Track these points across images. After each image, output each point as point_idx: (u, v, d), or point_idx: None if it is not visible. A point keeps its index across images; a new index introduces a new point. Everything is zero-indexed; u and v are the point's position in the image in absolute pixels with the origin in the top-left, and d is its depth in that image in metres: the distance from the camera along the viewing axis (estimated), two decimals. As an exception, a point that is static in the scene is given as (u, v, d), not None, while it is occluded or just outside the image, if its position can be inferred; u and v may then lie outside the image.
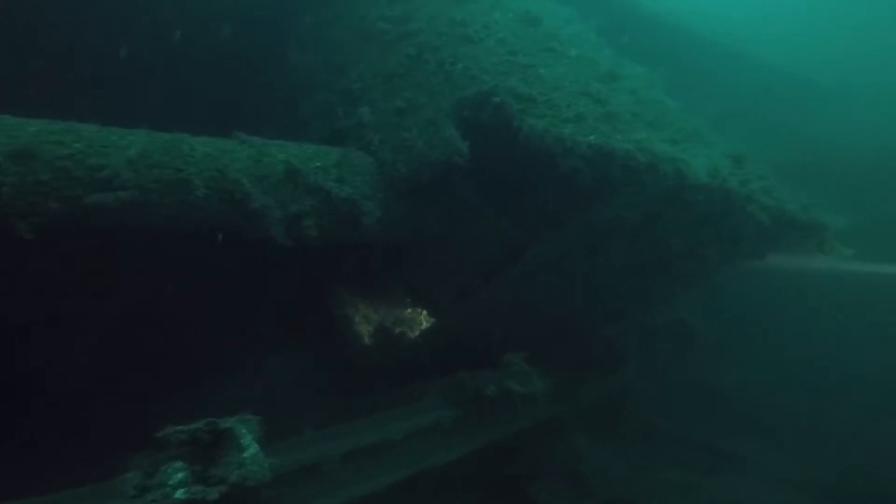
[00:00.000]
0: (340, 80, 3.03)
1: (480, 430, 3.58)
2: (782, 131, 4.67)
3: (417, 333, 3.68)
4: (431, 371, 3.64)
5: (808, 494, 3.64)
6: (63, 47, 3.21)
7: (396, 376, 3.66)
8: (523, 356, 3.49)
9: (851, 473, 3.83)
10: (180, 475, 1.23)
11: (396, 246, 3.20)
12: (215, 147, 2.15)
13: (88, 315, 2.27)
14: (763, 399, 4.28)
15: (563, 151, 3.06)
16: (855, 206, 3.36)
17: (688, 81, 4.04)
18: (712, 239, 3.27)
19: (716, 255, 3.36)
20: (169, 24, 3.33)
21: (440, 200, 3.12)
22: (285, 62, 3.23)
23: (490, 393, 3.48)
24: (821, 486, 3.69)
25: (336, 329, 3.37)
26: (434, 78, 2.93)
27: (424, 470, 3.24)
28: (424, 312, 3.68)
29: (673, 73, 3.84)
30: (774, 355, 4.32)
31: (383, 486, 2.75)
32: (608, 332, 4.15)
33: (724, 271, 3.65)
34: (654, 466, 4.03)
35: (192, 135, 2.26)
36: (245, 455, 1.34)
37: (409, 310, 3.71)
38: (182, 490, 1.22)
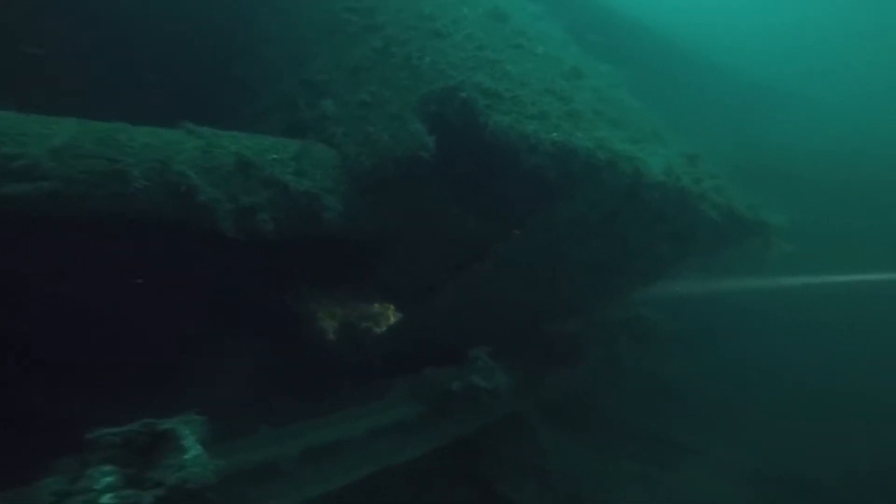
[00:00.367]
0: (302, 71, 2.94)
1: (446, 426, 3.60)
2: (737, 133, 4.93)
3: (383, 330, 3.64)
4: (397, 367, 3.62)
5: (755, 485, 3.85)
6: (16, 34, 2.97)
7: (361, 373, 3.62)
8: (488, 351, 3.54)
9: (795, 464, 4.09)
10: (109, 479, 1.15)
11: (361, 241, 3.14)
12: (159, 138, 2.04)
13: (14, 310, 2.11)
14: (716, 392, 4.49)
15: (528, 148, 3.09)
16: (798, 206, 3.57)
17: (649, 81, 4.17)
18: (667, 236, 3.39)
19: (670, 252, 3.48)
20: (122, 8, 3.14)
21: (405, 196, 3.09)
22: (243, 51, 3.10)
23: (455, 388, 3.50)
24: (767, 477, 3.92)
25: (298, 325, 3.29)
26: (401, 72, 2.88)
27: (389, 467, 3.22)
28: (391, 308, 3.64)
29: (635, 73, 3.97)
30: (728, 351, 4.54)
31: (343, 484, 2.72)
32: (570, 328, 4.25)
33: (678, 268, 3.80)
34: (615, 459, 4.16)
35: (140, 125, 2.14)
36: (187, 457, 1.27)
37: (374, 306, 3.67)
38: (110, 495, 1.14)
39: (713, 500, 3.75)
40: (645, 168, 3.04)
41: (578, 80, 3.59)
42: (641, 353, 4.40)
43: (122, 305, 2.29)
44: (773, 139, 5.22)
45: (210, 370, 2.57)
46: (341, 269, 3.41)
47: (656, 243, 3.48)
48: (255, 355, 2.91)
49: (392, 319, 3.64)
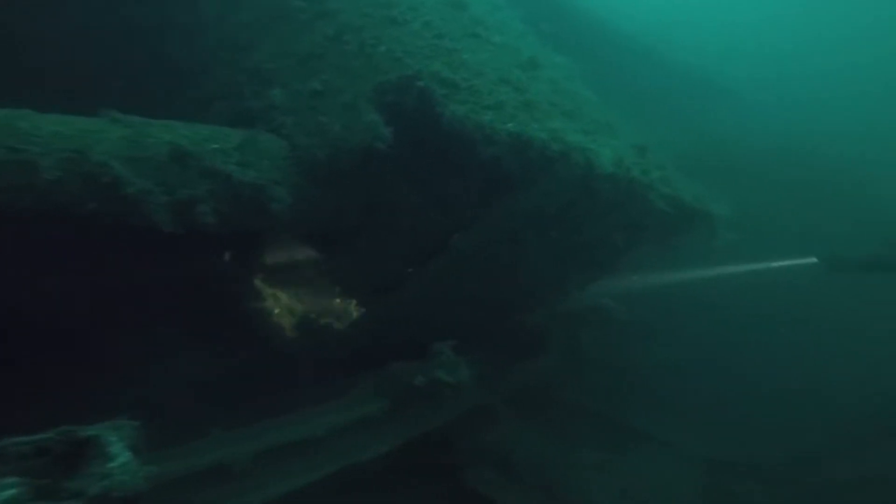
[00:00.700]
0: (248, 59, 2.79)
1: (412, 421, 3.59)
2: (684, 125, 5.16)
3: (343, 325, 3.57)
4: (360, 363, 3.57)
5: (705, 469, 4.06)
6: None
7: (322, 369, 3.54)
8: (451, 345, 3.54)
9: (740, 448, 4.33)
10: (13, 491, 1.05)
11: (318, 234, 3.06)
12: (72, 126, 1.87)
13: None
14: (672, 379, 4.69)
15: (484, 138, 3.10)
16: (742, 196, 3.77)
17: (602, 73, 4.26)
18: (620, 226, 3.50)
19: (624, 242, 3.60)
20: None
21: (362, 187, 3.02)
22: (182, 36, 2.89)
23: (419, 383, 3.49)
24: (715, 462, 4.13)
25: (252, 321, 3.17)
26: (355, 60, 2.79)
27: (353, 464, 3.18)
28: (351, 303, 3.57)
29: (590, 64, 4.04)
30: (680, 339, 4.75)
31: (304, 484, 2.65)
32: (533, 319, 4.33)
33: (633, 257, 3.93)
34: (575, 448, 4.28)
35: (57, 113, 1.95)
36: (113, 464, 1.19)
37: (334, 300, 3.59)
38: (14, 509, 1.04)
39: (667, 484, 3.94)
40: (596, 160, 3.11)
41: (535, 71, 3.61)
42: (602, 342, 4.54)
43: (47, 303, 2.10)
44: (717, 133, 5.51)
45: (153, 371, 2.43)
46: (300, 262, 3.31)
47: (610, 233, 3.59)
48: (204, 354, 2.77)
49: (353, 314, 3.58)
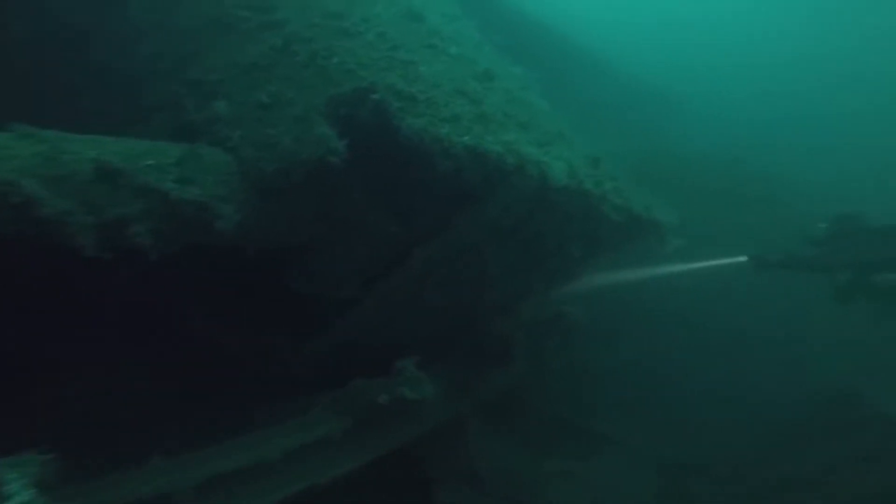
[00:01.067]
0: (190, 69, 2.64)
1: (377, 439, 3.50)
2: (635, 136, 5.40)
3: (301, 341, 3.45)
4: (319, 381, 3.45)
5: (659, 472, 4.22)
6: None
7: (277, 389, 3.40)
8: (415, 361, 3.49)
9: (690, 450, 4.45)
10: None
11: (270, 251, 2.94)
12: None
13: None
14: (628, 382, 4.86)
15: (442, 152, 3.09)
16: (685, 203, 3.98)
17: (557, 83, 4.37)
18: (577, 236, 3.58)
19: (581, 252, 3.68)
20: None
21: (317, 202, 2.93)
22: (116, 46, 2.71)
23: (383, 401, 3.42)
24: (668, 464, 4.28)
25: (198, 339, 2.99)
26: (305, 71, 2.70)
27: (314, 486, 3.06)
28: (309, 320, 3.46)
29: (544, 75, 4.13)
30: (635, 343, 4.93)
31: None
32: (497, 329, 4.35)
33: (590, 266, 4.04)
34: (542, 456, 4.32)
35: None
36: (9, 507, 1.06)
37: (290, 316, 3.46)
38: None
39: (630, 488, 4.05)
40: (550, 172, 3.17)
41: (490, 82, 3.63)
42: (565, 348, 4.63)
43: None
44: (665, 144, 5.81)
45: (78, 396, 2.23)
46: (255, 281, 3.17)
47: (568, 243, 3.66)
48: (142, 372, 2.59)
49: (310, 331, 3.46)
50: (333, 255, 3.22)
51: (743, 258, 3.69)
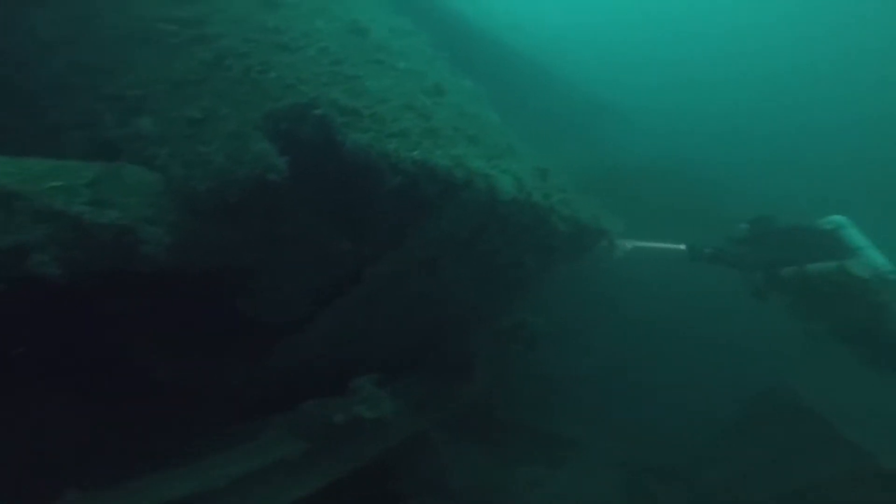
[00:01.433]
0: (108, 84, 2.45)
1: (336, 460, 3.33)
2: (584, 147, 5.55)
3: (250, 364, 3.25)
4: (272, 404, 3.26)
5: (625, 475, 4.24)
6: None
7: (228, 415, 3.18)
8: (373, 379, 3.36)
9: (654, 452, 4.46)
10: None
11: (211, 274, 2.76)
12: None
13: None
14: (593, 387, 4.88)
15: (390, 167, 3.01)
16: (632, 210, 4.10)
17: (507, 96, 4.42)
18: (530, 248, 3.58)
19: (536, 263, 3.68)
20: None
21: (259, 221, 2.80)
22: (22, 60, 2.48)
23: (338, 421, 3.27)
24: (633, 467, 4.26)
25: (139, 368, 2.76)
26: (239, 87, 2.57)
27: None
28: (258, 343, 3.27)
29: (496, 88, 4.17)
30: (594, 347, 5.00)
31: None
32: (460, 341, 4.28)
33: (546, 275, 4.05)
34: (511, 465, 4.26)
35: None
36: None
37: (237, 338, 3.26)
38: None
39: (594, 492, 4.03)
40: (498, 185, 3.15)
41: (440, 97, 3.58)
42: (527, 356, 4.61)
43: None
44: (612, 154, 6.03)
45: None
46: (193, 305, 2.97)
47: (522, 255, 3.66)
48: (71, 396, 2.33)
49: (259, 354, 3.27)
50: (281, 275, 3.06)
51: (682, 246, 3.84)
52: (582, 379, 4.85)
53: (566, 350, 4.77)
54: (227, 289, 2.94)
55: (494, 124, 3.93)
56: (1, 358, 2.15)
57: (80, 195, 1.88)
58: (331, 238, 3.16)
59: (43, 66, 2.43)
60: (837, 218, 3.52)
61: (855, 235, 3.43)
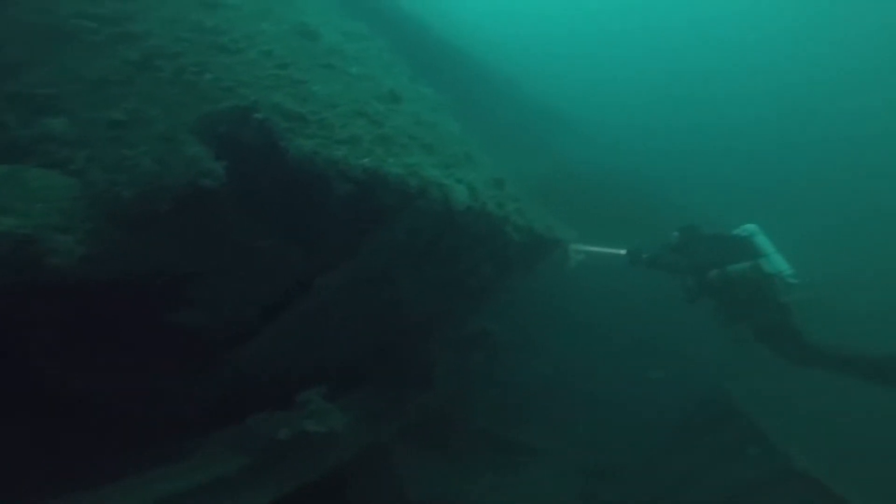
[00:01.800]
0: (11, 82, 2.20)
1: (280, 477, 3.14)
2: (540, 153, 5.56)
3: (188, 379, 3.03)
4: (211, 420, 3.04)
5: (582, 478, 4.18)
6: None
7: (166, 431, 2.95)
8: (321, 391, 3.19)
9: (608, 455, 4.45)
10: None
11: (139, 285, 2.54)
12: None
13: None
14: (546, 390, 4.84)
15: (338, 175, 2.87)
16: (586, 219, 4.11)
17: (467, 105, 4.34)
18: (487, 257, 3.49)
19: (493, 271, 3.59)
20: None
21: (194, 229, 2.60)
22: None
23: (283, 436, 3.07)
24: (590, 469, 4.21)
25: (61, 383, 2.51)
26: (171, 88, 2.38)
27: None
28: (199, 356, 3.05)
29: (455, 96, 4.09)
30: (551, 353, 4.96)
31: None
32: (418, 351, 4.15)
33: (504, 284, 3.97)
34: (471, 473, 4.13)
35: None
36: None
37: (177, 354, 3.03)
38: None
39: (554, 497, 3.96)
40: (453, 194, 3.05)
41: (395, 104, 3.46)
42: (489, 364, 4.52)
43: None
44: (567, 164, 6.08)
45: None
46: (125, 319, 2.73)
47: (479, 265, 3.56)
48: None
49: (199, 367, 3.05)
50: (223, 286, 2.86)
51: (623, 251, 3.93)
52: (539, 385, 4.79)
53: (523, 357, 4.71)
54: (162, 300, 2.73)
55: (453, 133, 3.83)
56: None
57: (-34, 201, 1.67)
58: (278, 247, 3.00)
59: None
60: (750, 226, 3.79)
61: (764, 242, 3.71)
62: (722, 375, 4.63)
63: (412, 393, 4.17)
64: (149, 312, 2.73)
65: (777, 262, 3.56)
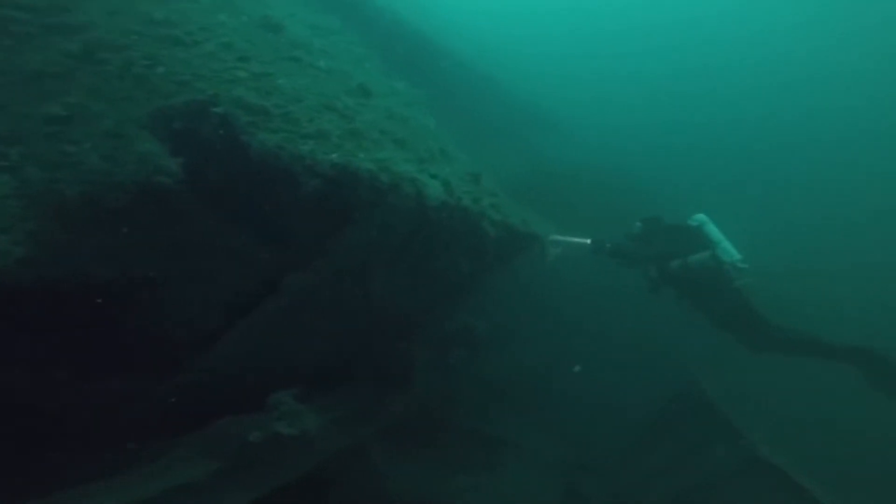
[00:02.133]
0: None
1: (252, 481, 2.98)
2: (517, 149, 5.44)
3: (151, 384, 2.86)
4: (180, 422, 2.88)
5: (561, 472, 4.10)
6: None
7: (129, 435, 2.78)
8: (294, 393, 3.04)
9: (586, 449, 4.39)
10: None
11: (90, 286, 2.38)
12: None
13: None
14: (529, 387, 4.72)
15: (304, 170, 2.71)
16: (564, 212, 4.02)
17: (446, 101, 4.20)
18: (464, 252, 3.35)
19: (470, 267, 3.45)
20: None
21: (151, 228, 2.44)
22: None
23: (255, 439, 2.92)
24: (568, 464, 4.15)
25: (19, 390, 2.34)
26: (118, 82, 2.20)
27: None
28: (162, 358, 2.88)
29: (433, 92, 3.94)
30: (526, 343, 4.85)
31: None
32: (398, 349, 4.01)
33: (484, 279, 3.83)
34: (450, 471, 4.02)
35: None
36: None
37: (138, 357, 2.86)
38: None
39: (534, 493, 3.86)
40: (426, 189, 2.91)
41: (366, 98, 3.28)
42: (469, 359, 4.39)
43: None
44: (544, 160, 5.96)
45: None
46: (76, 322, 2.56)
47: (456, 260, 3.42)
48: None
49: (162, 369, 2.89)
50: (185, 287, 2.70)
51: (587, 240, 3.93)
52: (518, 381, 4.68)
53: (503, 353, 4.59)
54: (118, 304, 2.56)
55: (427, 128, 3.68)
56: None
57: None
58: (243, 247, 2.84)
59: None
60: (700, 216, 3.91)
61: (713, 230, 3.83)
62: (694, 368, 4.57)
63: (392, 392, 4.03)
64: (102, 316, 2.56)
65: (727, 249, 3.71)
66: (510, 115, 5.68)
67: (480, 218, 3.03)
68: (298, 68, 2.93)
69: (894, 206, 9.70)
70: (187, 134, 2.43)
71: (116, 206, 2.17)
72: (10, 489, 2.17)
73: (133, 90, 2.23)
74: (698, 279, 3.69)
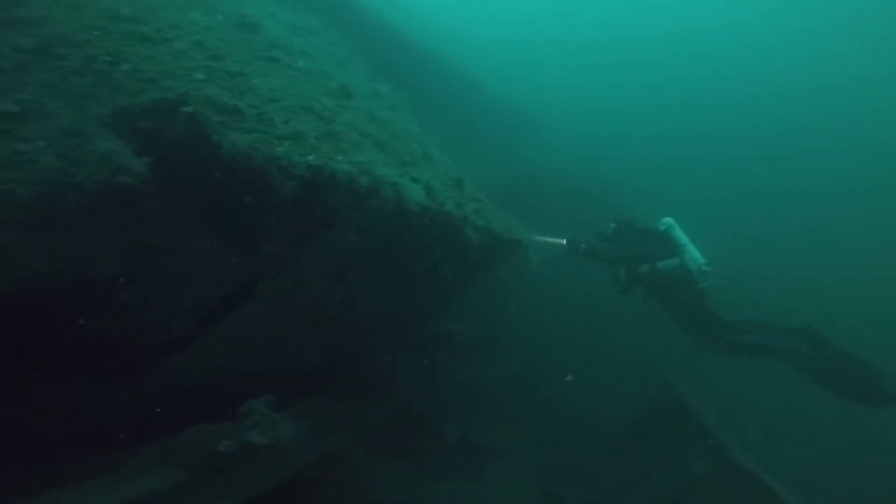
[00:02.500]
0: None
1: (218, 492, 2.82)
2: (501, 154, 5.38)
3: (112, 392, 2.69)
4: (146, 430, 2.71)
5: (543, 477, 4.03)
6: None
7: (85, 442, 2.60)
8: (267, 401, 2.89)
9: (567, 454, 4.34)
10: None
11: (43, 291, 2.21)
12: None
13: None
14: (512, 392, 4.63)
15: (278, 172, 2.58)
16: (544, 218, 3.98)
17: (430, 105, 4.11)
18: (446, 258, 3.23)
19: (453, 272, 3.34)
20: None
21: (113, 230, 2.28)
22: None
23: (224, 449, 2.76)
24: (551, 469, 4.10)
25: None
26: (78, 78, 2.06)
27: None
28: (124, 365, 2.71)
29: (417, 95, 3.86)
30: (513, 353, 4.78)
31: None
32: (379, 355, 3.88)
33: (467, 284, 3.73)
34: (431, 479, 3.90)
35: None
36: None
37: (97, 364, 2.69)
38: None
39: (516, 497, 3.78)
40: (407, 193, 2.79)
41: (347, 100, 3.15)
42: (453, 365, 4.29)
43: None
44: (528, 165, 5.92)
45: None
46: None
47: (439, 265, 3.31)
48: None
49: (126, 376, 2.72)
50: (151, 291, 2.54)
51: (562, 240, 3.94)
52: (500, 387, 4.59)
53: (485, 359, 4.49)
54: (77, 308, 2.39)
55: (410, 131, 3.57)
56: None
57: None
58: (214, 249, 2.69)
59: None
60: (668, 220, 3.99)
61: (680, 234, 3.92)
62: (672, 374, 4.56)
63: (373, 398, 3.90)
64: (59, 322, 2.39)
65: (692, 253, 3.80)
66: (495, 121, 5.60)
67: (463, 223, 2.92)
68: (275, 68, 2.80)
69: (871, 213, 9.91)
70: (154, 133, 2.29)
71: (73, 206, 2.02)
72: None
73: (94, 87, 2.08)
74: (665, 283, 3.77)
